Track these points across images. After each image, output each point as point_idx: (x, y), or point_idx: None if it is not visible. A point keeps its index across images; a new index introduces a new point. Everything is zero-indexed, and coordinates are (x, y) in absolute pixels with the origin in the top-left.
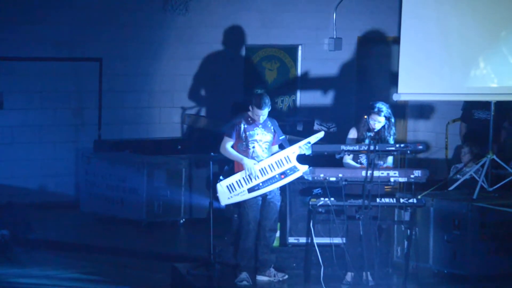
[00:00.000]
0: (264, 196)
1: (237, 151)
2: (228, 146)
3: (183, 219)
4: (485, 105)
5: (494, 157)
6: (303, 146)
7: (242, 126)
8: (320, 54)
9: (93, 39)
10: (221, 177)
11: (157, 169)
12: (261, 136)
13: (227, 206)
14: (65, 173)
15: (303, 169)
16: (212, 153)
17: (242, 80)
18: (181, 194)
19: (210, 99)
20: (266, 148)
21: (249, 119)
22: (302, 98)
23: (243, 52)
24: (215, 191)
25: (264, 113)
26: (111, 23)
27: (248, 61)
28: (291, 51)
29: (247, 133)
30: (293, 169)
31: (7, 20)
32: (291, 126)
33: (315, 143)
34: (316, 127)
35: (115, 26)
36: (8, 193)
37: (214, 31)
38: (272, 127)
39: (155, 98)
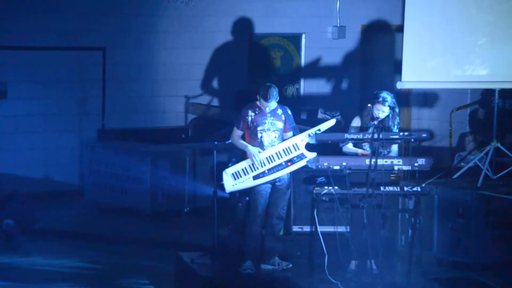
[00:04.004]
0: (273, 183)
1: (248, 141)
2: (237, 136)
3: (187, 208)
4: (503, 92)
5: (498, 145)
6: (311, 134)
7: (249, 117)
8: (324, 43)
9: (97, 29)
10: (230, 165)
11: (161, 158)
12: (270, 125)
13: (232, 194)
14: (69, 162)
15: (311, 156)
16: (216, 142)
17: (246, 69)
18: (185, 183)
19: (214, 88)
20: (276, 136)
21: (257, 108)
22: (306, 86)
23: (247, 41)
24: (219, 179)
25: (270, 105)
26: (115, 12)
27: (252, 50)
28: (295, 39)
29: (255, 123)
30: (301, 157)
31: (11, 10)
32: (295, 114)
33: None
34: (320, 115)
35: (118, 15)
36: (12, 182)
37: (217, 20)
38: (282, 115)
39: (159, 87)
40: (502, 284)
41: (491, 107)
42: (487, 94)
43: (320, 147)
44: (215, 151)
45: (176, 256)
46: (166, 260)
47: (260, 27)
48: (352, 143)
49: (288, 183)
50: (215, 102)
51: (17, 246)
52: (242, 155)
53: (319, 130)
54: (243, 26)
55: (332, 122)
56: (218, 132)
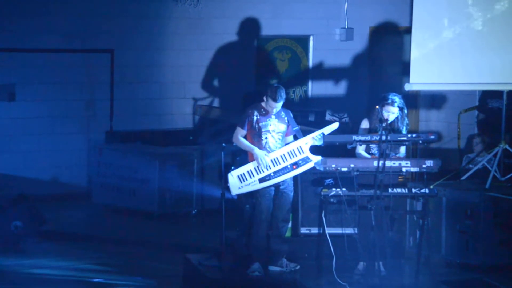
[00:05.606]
0: (277, 186)
1: (251, 142)
2: (240, 136)
3: (195, 210)
4: (498, 94)
5: (507, 146)
6: (316, 137)
7: (255, 117)
8: (332, 45)
9: (105, 31)
10: (232, 167)
11: (169, 160)
12: (274, 127)
13: (239, 196)
14: (77, 164)
15: (315, 159)
16: (223, 144)
17: (253, 71)
18: (193, 185)
19: (221, 90)
20: (279, 138)
21: (262, 109)
22: (314, 88)
23: (255, 43)
24: (226, 181)
25: (278, 106)
26: (123, 14)
27: (259, 52)
28: (303, 41)
29: (260, 123)
30: (306, 160)
31: (19, 12)
32: (302, 116)
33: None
34: (327, 117)
35: (126, 17)
36: (20, 184)
37: (225, 22)
38: (286, 118)
39: (166, 89)
40: (510, 286)
41: (488, 110)
42: (483, 97)
43: (327, 149)
44: (223, 153)
45: (184, 258)
46: (174, 262)
47: (268, 29)
48: (360, 145)
49: (291, 185)
50: (223, 104)
51: (25, 247)
52: (245, 155)
53: (322, 133)
54: (250, 28)
55: (335, 126)
56: (226, 134)
